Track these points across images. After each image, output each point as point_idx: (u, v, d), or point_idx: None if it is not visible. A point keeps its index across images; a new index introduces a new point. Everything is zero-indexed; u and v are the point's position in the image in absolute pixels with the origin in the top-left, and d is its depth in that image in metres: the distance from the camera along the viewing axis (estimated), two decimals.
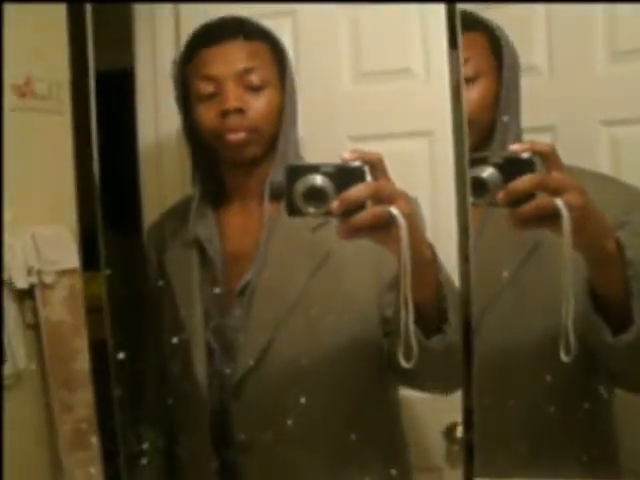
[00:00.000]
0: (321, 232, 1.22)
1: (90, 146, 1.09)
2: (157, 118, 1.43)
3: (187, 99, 1.32)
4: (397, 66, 1.33)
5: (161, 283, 1.34)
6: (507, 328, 1.18)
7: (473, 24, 1.21)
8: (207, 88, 1.28)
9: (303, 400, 1.24)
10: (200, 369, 1.29)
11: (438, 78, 1.12)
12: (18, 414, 1.44)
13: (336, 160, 0.98)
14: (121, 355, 1.19)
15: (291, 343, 1.26)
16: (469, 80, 1.20)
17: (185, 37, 1.30)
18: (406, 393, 1.29)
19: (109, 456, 1.18)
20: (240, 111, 1.27)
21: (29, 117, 1.48)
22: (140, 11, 1.36)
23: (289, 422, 1.24)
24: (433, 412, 1.32)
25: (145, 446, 1.25)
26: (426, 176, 1.34)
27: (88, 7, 1.04)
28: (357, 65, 1.35)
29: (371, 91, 1.34)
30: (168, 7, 1.42)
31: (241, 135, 1.27)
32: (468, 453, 1.13)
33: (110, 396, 1.14)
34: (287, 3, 1.28)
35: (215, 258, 1.32)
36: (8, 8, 1.33)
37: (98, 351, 1.16)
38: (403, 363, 1.02)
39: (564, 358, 1.01)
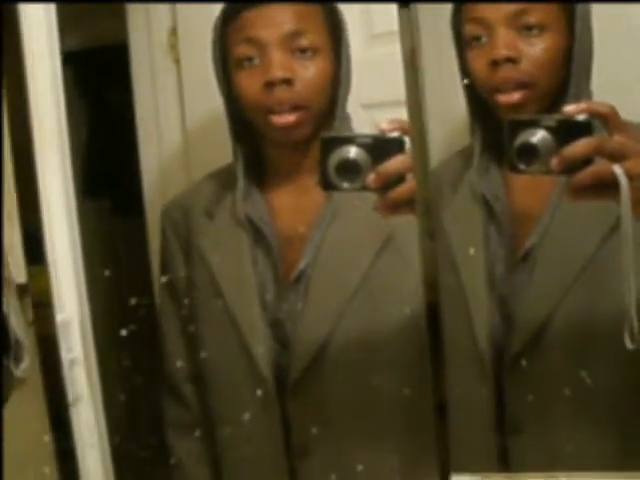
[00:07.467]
0: None
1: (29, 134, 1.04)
2: (154, 93, 1.35)
3: (227, 67, 1.19)
4: None
5: (198, 272, 1.24)
6: (586, 312, 1.08)
7: None
8: (248, 53, 1.16)
9: (365, 395, 1.16)
10: (264, 366, 1.19)
11: None
12: (21, 414, 1.38)
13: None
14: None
15: (352, 334, 1.16)
16: (531, 33, 1.09)
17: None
18: None
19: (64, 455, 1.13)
20: (287, 82, 1.15)
21: None
22: None
23: (349, 420, 1.17)
24: None
25: None
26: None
27: None
28: (367, 27, 1.25)
29: (383, 54, 1.25)
30: None
31: (289, 118, 1.16)
32: (443, 449, 1.08)
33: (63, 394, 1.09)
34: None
35: (271, 240, 1.21)
36: None
37: (47, 348, 1.11)
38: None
39: (629, 345, 0.92)
